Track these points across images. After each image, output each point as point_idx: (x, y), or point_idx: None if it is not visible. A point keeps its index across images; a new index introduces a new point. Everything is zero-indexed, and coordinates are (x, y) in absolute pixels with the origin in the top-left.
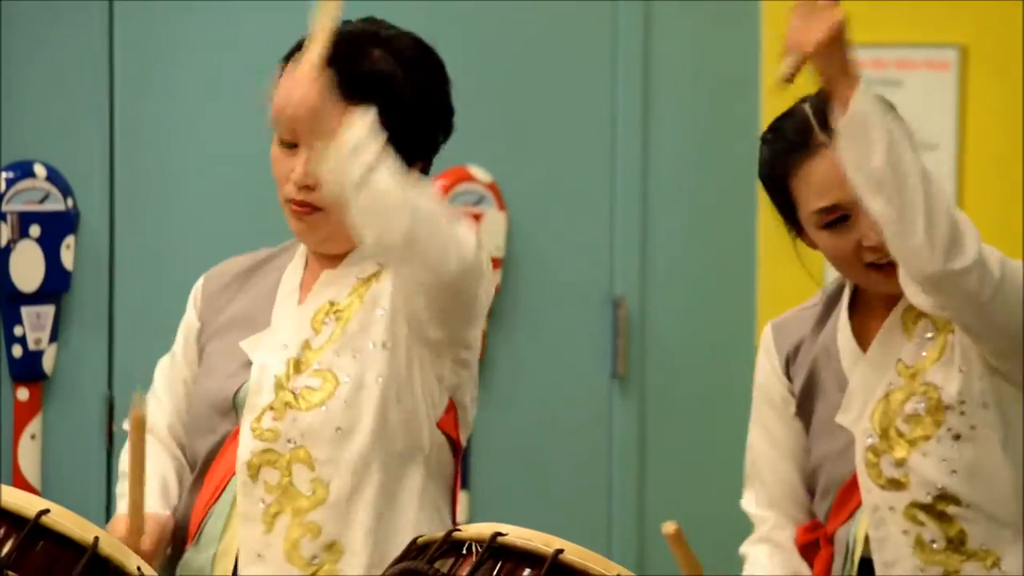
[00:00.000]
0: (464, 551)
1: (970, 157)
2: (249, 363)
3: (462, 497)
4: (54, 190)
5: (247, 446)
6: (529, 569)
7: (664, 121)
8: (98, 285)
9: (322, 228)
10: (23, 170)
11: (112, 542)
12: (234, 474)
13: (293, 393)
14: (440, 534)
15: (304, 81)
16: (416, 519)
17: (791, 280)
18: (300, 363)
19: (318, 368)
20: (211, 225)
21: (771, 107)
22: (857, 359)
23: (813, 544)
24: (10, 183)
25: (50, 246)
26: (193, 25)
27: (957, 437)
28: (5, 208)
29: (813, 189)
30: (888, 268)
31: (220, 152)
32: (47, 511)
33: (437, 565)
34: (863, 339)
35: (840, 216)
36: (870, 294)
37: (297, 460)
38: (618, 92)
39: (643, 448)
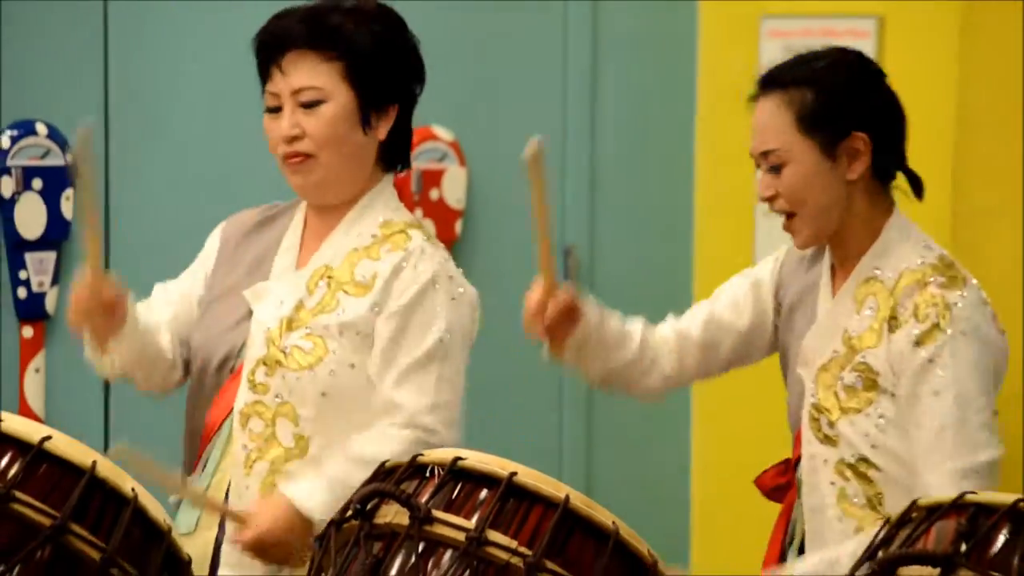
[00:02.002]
0: (427, 474)
1: None
2: (249, 313)
3: None
4: (54, 147)
5: (242, 396)
6: (487, 490)
7: (610, 87)
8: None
9: (316, 173)
10: (26, 128)
11: (108, 466)
12: (229, 415)
13: (284, 352)
14: (406, 459)
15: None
16: None
17: (725, 230)
18: (292, 321)
19: (309, 332)
20: (198, 178)
21: (707, 72)
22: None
23: (784, 486)
24: (14, 140)
25: (51, 198)
26: None
27: (882, 418)
28: (10, 163)
29: (751, 136)
30: (789, 224)
31: (207, 111)
32: (49, 437)
33: (403, 486)
34: (835, 289)
35: (757, 162)
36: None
37: (282, 414)
38: (568, 59)
39: None
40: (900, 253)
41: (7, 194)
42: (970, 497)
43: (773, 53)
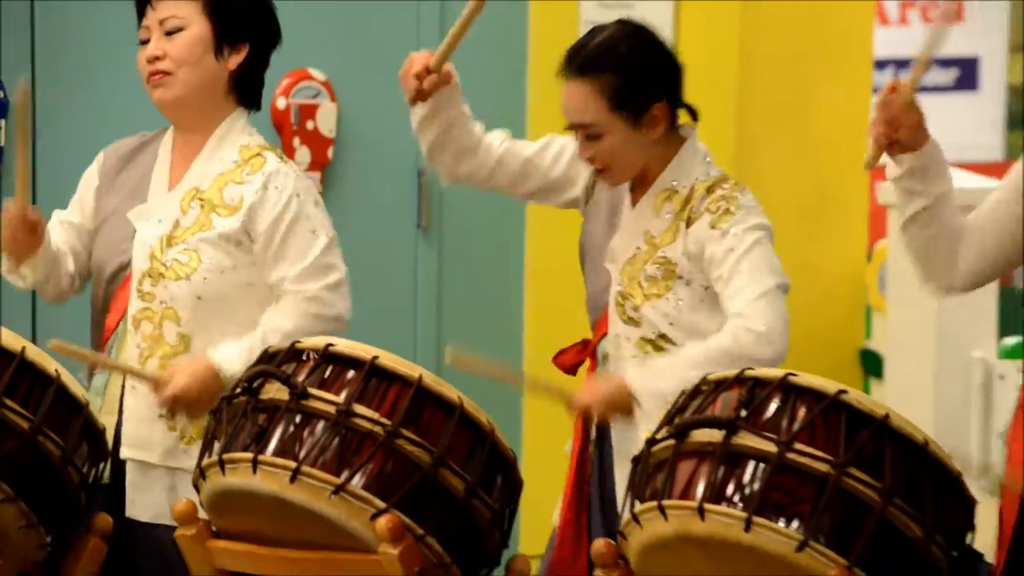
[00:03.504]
0: (304, 358)
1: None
2: (134, 232)
3: None
4: None
5: (133, 304)
6: (353, 371)
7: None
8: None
9: (174, 89)
10: None
11: (35, 351)
12: (123, 318)
13: (164, 265)
14: (286, 345)
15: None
16: None
17: None
18: (171, 238)
19: (186, 247)
20: (118, 111)
21: (537, 29)
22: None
23: (581, 363)
24: None
25: None
26: None
27: (680, 301)
28: None
29: (564, 107)
30: (602, 173)
31: (127, 52)
32: None
33: (283, 368)
34: (635, 202)
35: (574, 129)
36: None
37: (167, 318)
38: (421, 10)
39: (441, 283)
40: (691, 170)
41: None
42: (749, 373)
43: (591, 12)
